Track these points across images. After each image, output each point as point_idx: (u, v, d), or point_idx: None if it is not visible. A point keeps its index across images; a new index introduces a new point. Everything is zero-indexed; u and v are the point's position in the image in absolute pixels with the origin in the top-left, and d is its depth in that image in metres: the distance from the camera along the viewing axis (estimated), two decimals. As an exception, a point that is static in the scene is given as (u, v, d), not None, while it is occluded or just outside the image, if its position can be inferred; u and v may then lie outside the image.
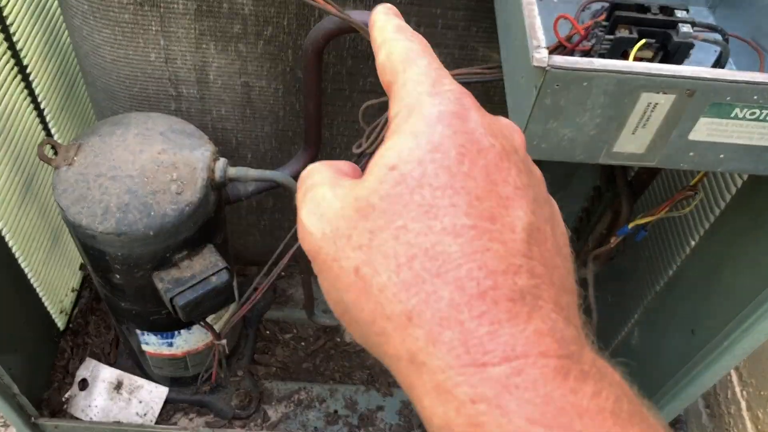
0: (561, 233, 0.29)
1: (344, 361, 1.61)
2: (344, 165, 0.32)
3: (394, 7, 0.34)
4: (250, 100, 1.24)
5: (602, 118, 0.70)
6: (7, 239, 1.20)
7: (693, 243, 1.14)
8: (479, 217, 0.25)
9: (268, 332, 1.62)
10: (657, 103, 0.68)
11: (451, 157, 0.26)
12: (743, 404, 1.47)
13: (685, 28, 0.76)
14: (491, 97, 1.23)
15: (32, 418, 1.34)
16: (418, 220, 0.25)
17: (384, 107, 1.15)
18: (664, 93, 0.67)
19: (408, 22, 1.16)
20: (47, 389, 1.43)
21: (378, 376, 1.58)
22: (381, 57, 0.32)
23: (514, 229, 0.25)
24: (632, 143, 0.74)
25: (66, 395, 1.45)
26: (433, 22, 1.09)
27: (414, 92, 0.29)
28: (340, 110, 1.27)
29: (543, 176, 0.31)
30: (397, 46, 0.32)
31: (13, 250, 1.23)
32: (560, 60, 0.65)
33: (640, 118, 0.70)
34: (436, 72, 0.30)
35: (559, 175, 1.54)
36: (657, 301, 1.27)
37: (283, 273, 1.65)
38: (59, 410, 1.43)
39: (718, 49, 0.85)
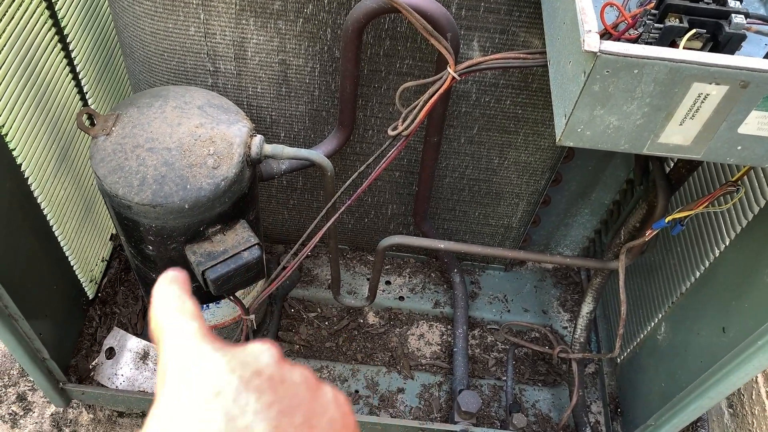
0: (328, 421, 0.34)
1: (367, 342, 1.61)
2: None
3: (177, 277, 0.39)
4: (286, 78, 1.24)
5: (650, 107, 0.69)
6: (42, 206, 1.22)
7: (729, 240, 1.12)
8: None
9: (293, 310, 1.63)
10: (708, 94, 0.67)
11: (190, 412, 0.30)
12: (768, 405, 1.45)
13: (737, 19, 0.74)
14: (529, 83, 1.21)
15: (60, 384, 1.36)
16: None
17: (421, 90, 1.15)
18: (717, 84, 0.66)
19: (449, 5, 1.15)
20: (75, 356, 1.46)
21: (399, 358, 1.59)
22: (152, 321, 0.38)
23: None
24: (679, 135, 0.73)
25: (93, 363, 1.47)
26: (475, 5, 1.08)
27: (166, 357, 0.34)
28: (375, 92, 1.26)
29: (306, 375, 0.35)
30: (168, 314, 0.37)
31: (48, 217, 1.25)
32: (612, 46, 0.64)
33: (689, 108, 0.69)
34: (191, 338, 0.35)
35: (590, 167, 1.52)
36: (687, 296, 1.26)
37: (310, 253, 1.66)
38: (86, 377, 1.45)
39: (770, 42, 0.83)
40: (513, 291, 1.76)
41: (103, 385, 1.45)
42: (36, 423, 1.50)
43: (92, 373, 1.46)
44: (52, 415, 1.51)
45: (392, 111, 1.30)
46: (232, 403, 0.31)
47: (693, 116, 0.70)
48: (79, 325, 1.49)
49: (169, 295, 0.37)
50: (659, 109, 0.69)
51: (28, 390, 1.55)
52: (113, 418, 1.51)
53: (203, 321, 0.36)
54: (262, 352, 0.34)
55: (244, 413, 0.31)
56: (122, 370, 1.46)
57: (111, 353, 1.48)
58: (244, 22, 1.14)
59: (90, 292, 1.51)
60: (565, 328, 1.71)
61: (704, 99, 0.68)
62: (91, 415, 1.51)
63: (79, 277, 1.43)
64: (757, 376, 1.49)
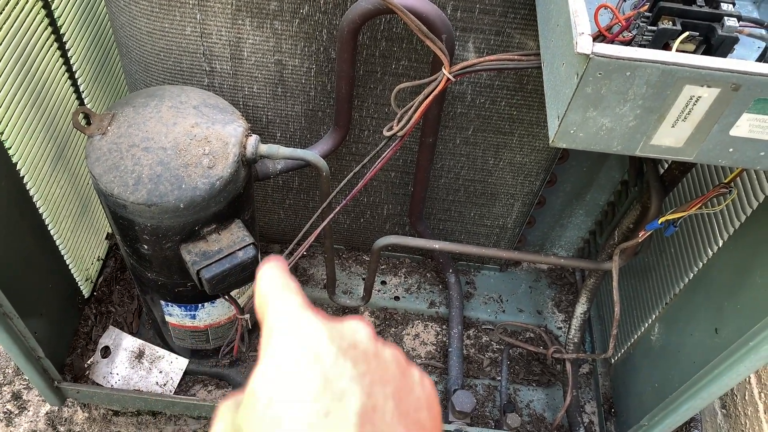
0: (415, 399, 0.36)
1: (362, 342, 1.62)
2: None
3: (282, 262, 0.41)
4: (282, 78, 1.24)
5: (642, 109, 0.70)
6: (38, 205, 1.22)
7: (722, 241, 1.13)
8: (315, 415, 0.31)
9: (287, 310, 1.63)
10: (700, 97, 0.68)
11: (292, 372, 0.33)
12: (761, 406, 1.46)
13: (730, 22, 0.75)
14: (524, 85, 1.22)
15: (55, 382, 1.37)
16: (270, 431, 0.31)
17: (416, 91, 1.15)
18: (708, 86, 0.66)
19: (445, 7, 1.15)
20: (70, 355, 1.46)
21: (395, 359, 1.59)
22: (257, 297, 0.40)
23: (347, 417, 0.31)
24: (671, 137, 0.73)
25: (88, 362, 1.47)
26: (470, 7, 1.08)
27: (271, 323, 0.36)
28: (371, 92, 1.27)
29: (396, 355, 0.37)
30: (274, 290, 0.39)
31: (44, 216, 1.25)
32: (604, 48, 0.65)
33: (681, 111, 0.70)
34: (295, 309, 0.37)
35: (585, 168, 1.53)
36: (680, 297, 1.26)
37: (305, 252, 1.66)
38: (81, 376, 1.45)
39: (762, 45, 0.84)
40: (508, 291, 1.76)
41: (98, 384, 1.45)
42: (31, 422, 1.50)
43: (87, 372, 1.46)
44: (47, 413, 1.51)
45: (388, 112, 1.30)
46: (331, 367, 0.33)
47: (685, 118, 0.71)
48: (74, 323, 1.49)
49: (274, 274, 0.39)
50: (651, 111, 0.70)
51: (23, 388, 1.55)
52: (108, 417, 1.51)
53: (306, 298, 0.38)
54: (359, 327, 0.37)
55: (341, 377, 0.33)
56: (117, 369, 1.46)
57: (106, 352, 1.49)
58: (240, 22, 1.14)
59: (85, 290, 1.51)
60: (560, 328, 1.71)
61: (696, 101, 0.68)
62: (86, 414, 1.51)
63: (74, 275, 1.43)
64: (750, 377, 1.50)
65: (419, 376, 0.38)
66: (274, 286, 0.39)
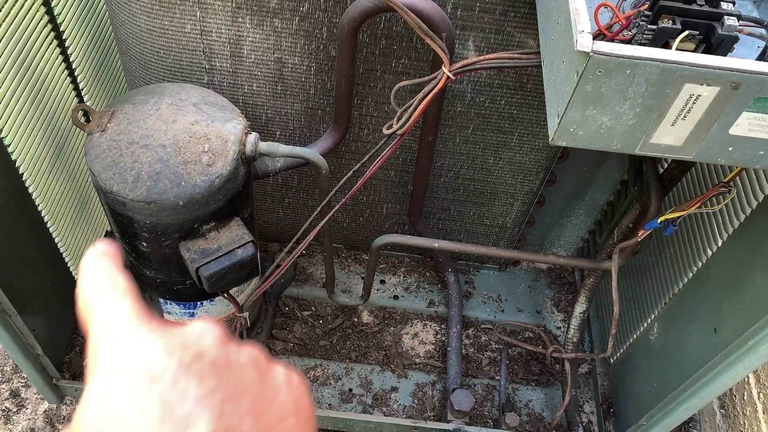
0: (279, 407, 0.31)
1: (361, 341, 1.62)
2: None
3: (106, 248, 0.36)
4: (282, 76, 1.24)
5: (642, 107, 0.70)
6: (37, 202, 1.22)
7: (721, 241, 1.13)
8: None
9: (287, 308, 1.63)
10: (700, 95, 0.68)
11: (123, 401, 0.28)
12: (759, 406, 1.46)
13: (730, 21, 0.75)
14: (524, 84, 1.22)
15: (54, 380, 1.36)
16: None
17: (416, 89, 1.15)
18: (708, 85, 0.66)
19: (445, 5, 1.15)
20: (69, 353, 1.46)
21: (393, 357, 1.59)
22: (79, 300, 0.34)
23: None
24: (671, 135, 0.73)
25: (87, 359, 1.47)
26: (470, 5, 1.08)
27: (97, 336, 0.31)
28: (370, 91, 1.27)
29: (254, 356, 0.32)
30: (98, 292, 0.34)
31: (43, 213, 1.25)
32: (604, 46, 0.65)
33: (681, 109, 0.69)
34: (124, 318, 0.32)
35: (584, 167, 1.53)
36: (680, 297, 1.26)
37: (304, 251, 1.66)
38: (80, 373, 1.45)
39: (762, 44, 0.84)
40: (507, 291, 1.76)
41: (96, 382, 1.45)
42: (29, 419, 1.50)
43: (86, 370, 1.46)
44: (45, 411, 1.51)
45: (387, 110, 1.30)
46: (170, 389, 0.28)
47: (685, 117, 0.71)
48: (73, 321, 1.49)
49: (99, 270, 0.33)
50: (651, 109, 0.70)
51: (22, 386, 1.55)
52: (107, 415, 1.51)
53: (137, 298, 0.33)
54: (204, 332, 0.31)
55: (184, 400, 0.28)
56: (116, 367, 1.46)
57: (105, 350, 1.48)
58: (240, 20, 1.14)
59: (84, 288, 1.51)
60: (559, 328, 1.71)
61: (696, 100, 0.68)
62: (85, 412, 1.51)
63: (73, 273, 1.43)
64: (748, 378, 1.50)
65: (285, 375, 0.33)
66: (98, 286, 0.33)
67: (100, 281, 0.33)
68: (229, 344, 0.32)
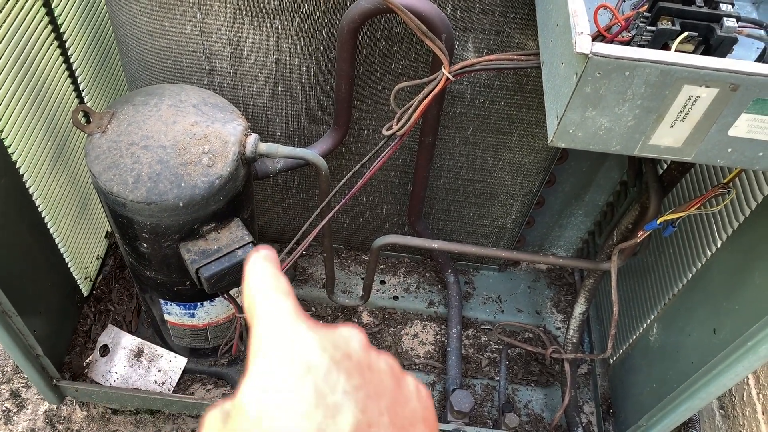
0: (411, 411, 0.34)
1: (361, 342, 1.62)
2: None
3: (271, 253, 0.39)
4: (282, 77, 1.24)
5: (641, 109, 0.70)
6: (38, 203, 1.22)
7: (720, 242, 1.13)
8: None
9: (286, 309, 1.63)
10: (699, 97, 0.68)
11: (283, 385, 0.31)
12: (759, 407, 1.46)
13: (729, 22, 0.75)
14: (524, 85, 1.22)
15: (54, 381, 1.37)
16: None
17: (416, 90, 1.15)
18: (707, 86, 0.67)
19: (444, 6, 1.15)
20: (69, 353, 1.46)
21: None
22: (246, 296, 0.38)
23: None
24: (670, 136, 0.73)
25: (87, 360, 1.47)
26: (470, 7, 1.08)
27: (260, 330, 0.34)
28: (370, 92, 1.27)
29: (391, 364, 0.36)
30: (263, 291, 0.37)
31: (43, 214, 1.25)
32: (603, 48, 0.65)
33: (680, 111, 0.70)
34: (286, 315, 0.35)
35: (584, 168, 1.53)
36: (679, 298, 1.26)
37: (304, 252, 1.66)
38: (80, 374, 1.45)
39: (761, 46, 0.84)
40: (507, 291, 1.76)
41: (96, 383, 1.45)
42: (29, 420, 1.50)
43: (86, 371, 1.46)
44: (45, 412, 1.51)
45: (387, 111, 1.30)
46: (323, 380, 0.31)
47: (684, 118, 0.71)
48: (73, 322, 1.49)
49: (264, 272, 0.37)
50: (650, 111, 0.70)
51: (22, 387, 1.55)
52: (107, 416, 1.51)
53: (296, 300, 0.36)
54: (352, 336, 0.35)
55: (334, 391, 0.31)
56: (116, 368, 1.47)
57: (105, 351, 1.49)
58: (240, 21, 1.14)
59: (84, 289, 1.51)
60: (558, 328, 1.71)
61: (695, 101, 0.68)
62: (85, 413, 1.51)
63: (73, 274, 1.43)
64: (748, 379, 1.50)
65: (415, 385, 0.37)
66: (263, 286, 0.36)
67: (266, 282, 0.36)
68: (371, 350, 0.35)
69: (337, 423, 0.30)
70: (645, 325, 1.39)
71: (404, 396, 0.35)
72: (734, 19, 0.76)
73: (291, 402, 0.30)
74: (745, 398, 1.51)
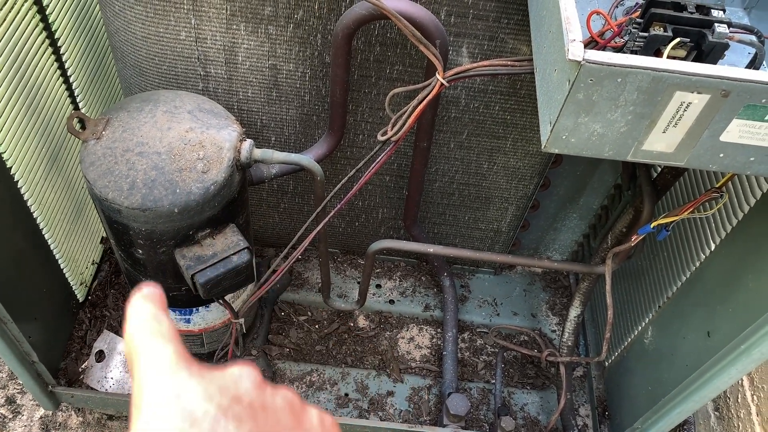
0: None
1: (357, 345, 1.62)
2: None
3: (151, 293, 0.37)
4: (277, 83, 1.24)
5: (634, 115, 0.70)
6: (32, 209, 1.22)
7: (714, 245, 1.13)
8: None
9: (283, 314, 1.64)
10: (690, 103, 0.68)
11: None
12: (753, 409, 1.46)
13: (720, 28, 0.76)
14: (518, 90, 1.23)
15: (49, 387, 1.36)
16: None
17: (411, 96, 1.15)
18: (699, 93, 0.67)
19: (438, 12, 1.15)
20: (64, 359, 1.46)
21: (389, 362, 1.59)
22: (126, 343, 0.36)
23: None
24: (662, 142, 0.74)
25: (83, 366, 1.47)
26: (464, 13, 1.09)
27: (141, 380, 0.32)
28: (365, 97, 1.27)
29: (289, 399, 0.34)
30: (143, 337, 0.35)
31: (38, 221, 1.25)
32: (595, 54, 0.65)
33: (672, 116, 0.70)
34: (167, 364, 0.33)
35: (578, 172, 1.54)
36: (673, 301, 1.27)
37: (300, 256, 1.66)
38: (75, 380, 1.45)
39: (752, 51, 0.85)
40: (502, 295, 1.77)
41: (92, 388, 1.45)
42: (25, 426, 1.50)
43: (82, 376, 1.46)
44: (41, 418, 1.51)
45: (382, 116, 1.31)
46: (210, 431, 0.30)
47: (676, 124, 0.71)
48: (68, 328, 1.49)
49: (144, 314, 0.35)
50: (643, 117, 0.70)
51: (17, 393, 1.54)
52: (103, 421, 1.51)
53: (180, 342, 0.35)
54: (242, 377, 0.33)
55: None
56: (112, 373, 1.46)
57: (101, 356, 1.48)
58: (234, 27, 1.15)
59: (80, 295, 1.51)
60: (554, 331, 1.72)
61: (687, 107, 0.69)
62: (81, 418, 1.51)
63: (69, 280, 1.43)
64: (742, 380, 1.51)
65: (318, 417, 0.35)
66: (142, 330, 0.34)
67: (146, 325, 0.35)
68: (265, 387, 0.34)
69: None
70: (640, 328, 1.40)
71: (306, 431, 0.33)
72: (725, 25, 0.76)
73: None
74: (739, 400, 1.52)
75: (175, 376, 0.32)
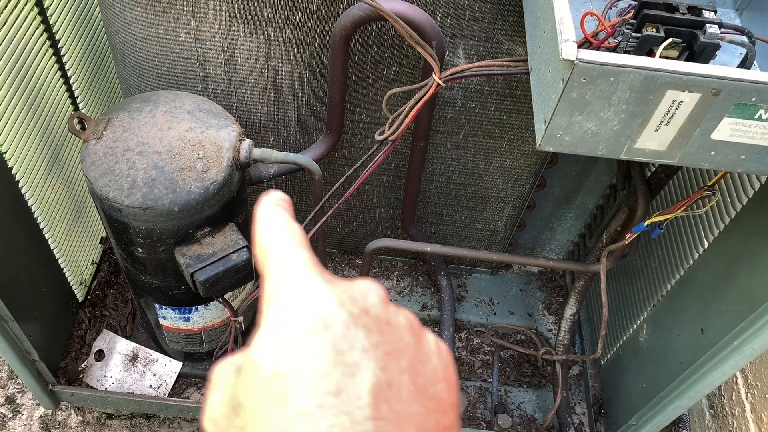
0: (431, 370, 0.32)
1: (355, 345, 1.63)
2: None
3: (282, 199, 0.37)
4: (275, 83, 1.25)
5: (626, 113, 0.72)
6: (33, 209, 1.23)
7: (707, 243, 1.15)
8: (324, 394, 0.28)
9: (281, 313, 1.64)
10: (682, 101, 0.70)
11: (299, 341, 0.29)
12: (747, 406, 1.48)
13: (712, 29, 0.77)
14: (514, 90, 1.24)
15: (49, 385, 1.37)
16: (274, 410, 0.28)
17: (408, 96, 1.17)
18: (690, 91, 0.68)
19: (435, 14, 1.17)
20: (64, 358, 1.47)
21: (387, 361, 1.60)
22: (257, 244, 0.35)
23: (359, 395, 0.28)
24: (655, 140, 0.75)
25: (82, 365, 1.48)
26: (460, 14, 1.10)
27: (274, 282, 0.32)
28: (363, 97, 1.28)
29: (411, 320, 0.34)
30: (276, 240, 0.35)
31: (38, 220, 1.26)
32: (588, 54, 0.67)
33: (664, 115, 0.72)
34: (301, 267, 0.33)
35: (574, 172, 1.55)
36: (667, 299, 1.28)
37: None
38: (75, 379, 1.46)
39: (744, 51, 0.86)
40: (499, 294, 1.78)
41: (92, 387, 1.46)
42: (25, 425, 1.51)
43: (81, 375, 1.47)
44: (41, 417, 1.52)
45: (380, 116, 1.32)
46: (341, 337, 0.29)
47: (668, 122, 0.73)
48: (68, 327, 1.50)
49: (278, 218, 0.34)
50: (635, 115, 0.72)
51: (17, 392, 1.55)
52: (102, 420, 1.52)
53: (312, 250, 0.34)
54: (370, 290, 0.33)
55: (353, 349, 0.29)
56: (111, 372, 1.47)
57: (100, 355, 1.49)
58: (233, 28, 1.16)
59: (80, 294, 1.52)
60: (550, 330, 1.73)
61: (678, 106, 0.70)
62: (80, 417, 1.52)
63: (69, 279, 1.44)
64: (737, 378, 1.52)
65: (435, 342, 0.34)
66: (276, 233, 0.34)
67: (278, 228, 0.34)
68: (390, 305, 0.33)
69: (356, 382, 0.28)
70: (635, 326, 1.41)
71: (425, 354, 0.33)
72: (717, 26, 0.78)
73: (308, 359, 0.28)
74: (734, 398, 1.53)
75: (309, 279, 0.32)
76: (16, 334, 1.22)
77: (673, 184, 1.28)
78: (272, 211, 0.35)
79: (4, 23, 1.06)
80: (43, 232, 1.29)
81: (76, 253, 1.47)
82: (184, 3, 1.12)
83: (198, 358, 1.49)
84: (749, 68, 0.82)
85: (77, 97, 1.35)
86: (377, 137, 1.13)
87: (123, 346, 1.50)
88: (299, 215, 1.59)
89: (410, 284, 1.74)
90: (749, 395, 1.48)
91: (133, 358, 1.49)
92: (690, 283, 1.21)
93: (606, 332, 1.30)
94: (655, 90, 0.69)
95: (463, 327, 1.71)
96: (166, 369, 1.48)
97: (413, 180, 1.42)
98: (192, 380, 1.51)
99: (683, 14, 0.79)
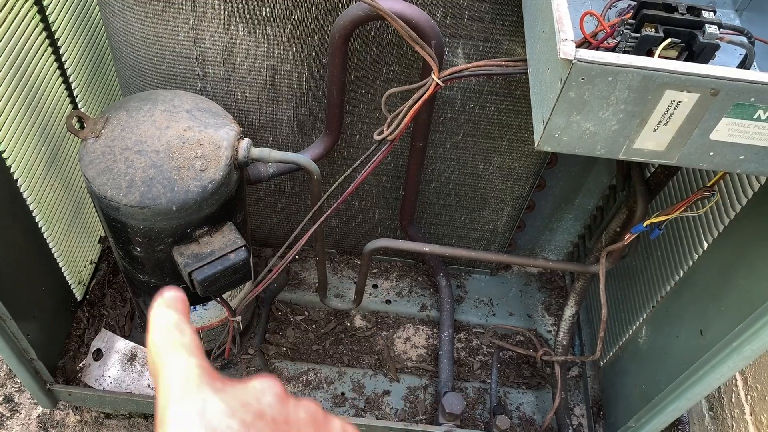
0: None
1: (353, 345, 1.63)
2: None
3: (175, 297, 0.37)
4: (274, 83, 1.25)
5: (625, 113, 0.71)
6: (31, 208, 1.23)
7: (707, 244, 1.15)
8: None
9: (280, 313, 1.64)
10: (680, 101, 0.69)
11: None
12: (747, 408, 1.47)
13: (711, 29, 0.77)
14: (513, 90, 1.24)
15: (47, 385, 1.37)
16: None
17: (407, 96, 1.17)
18: (688, 91, 0.68)
19: (434, 13, 1.16)
20: (62, 357, 1.46)
21: (386, 361, 1.60)
22: (148, 353, 0.36)
23: None
24: (653, 140, 0.75)
25: (80, 364, 1.48)
26: (459, 14, 1.10)
27: (165, 392, 0.32)
28: (362, 97, 1.28)
29: (312, 411, 0.34)
30: (166, 349, 0.35)
31: (37, 219, 1.26)
32: (587, 53, 0.66)
33: (662, 115, 0.71)
34: (190, 378, 0.33)
35: (574, 173, 1.55)
36: (667, 300, 1.28)
37: (297, 256, 1.67)
38: (73, 378, 1.46)
39: (743, 52, 0.86)
40: (498, 295, 1.78)
41: (90, 387, 1.45)
42: (23, 424, 1.50)
43: (79, 375, 1.47)
44: (39, 416, 1.52)
45: (378, 116, 1.32)
46: None
47: (666, 123, 0.72)
48: (66, 326, 1.50)
49: (168, 323, 0.35)
50: (633, 115, 0.71)
51: (15, 391, 1.55)
52: (100, 420, 1.52)
53: (202, 354, 0.35)
54: (265, 390, 0.33)
55: None
56: (109, 372, 1.47)
57: (98, 355, 1.49)
58: (233, 27, 1.16)
59: (78, 293, 1.52)
60: (549, 331, 1.73)
61: (677, 106, 0.70)
62: (78, 417, 1.52)
63: (67, 278, 1.44)
64: (736, 380, 1.52)
65: (341, 428, 0.35)
66: (166, 341, 0.34)
67: (169, 336, 0.35)
68: (288, 401, 0.34)
69: None
70: (634, 327, 1.41)
71: None
72: (716, 26, 0.78)
73: None
74: (733, 400, 1.53)
75: (198, 392, 0.32)
76: (14, 333, 1.22)
77: (673, 184, 1.28)
78: (163, 317, 0.35)
79: (3, 22, 1.06)
80: (42, 231, 1.29)
81: (75, 253, 1.47)
82: (183, 2, 1.12)
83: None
84: (748, 69, 0.82)
85: (76, 96, 1.34)
86: (376, 137, 1.13)
87: (121, 345, 1.50)
88: (298, 215, 1.59)
89: (409, 285, 1.74)
90: (749, 397, 1.47)
91: (132, 358, 1.49)
92: (689, 284, 1.20)
93: (605, 333, 1.29)
94: (653, 90, 0.69)
95: (462, 328, 1.70)
96: (165, 369, 1.48)
97: (412, 180, 1.41)
98: (190, 380, 1.51)
99: (682, 14, 0.79)
